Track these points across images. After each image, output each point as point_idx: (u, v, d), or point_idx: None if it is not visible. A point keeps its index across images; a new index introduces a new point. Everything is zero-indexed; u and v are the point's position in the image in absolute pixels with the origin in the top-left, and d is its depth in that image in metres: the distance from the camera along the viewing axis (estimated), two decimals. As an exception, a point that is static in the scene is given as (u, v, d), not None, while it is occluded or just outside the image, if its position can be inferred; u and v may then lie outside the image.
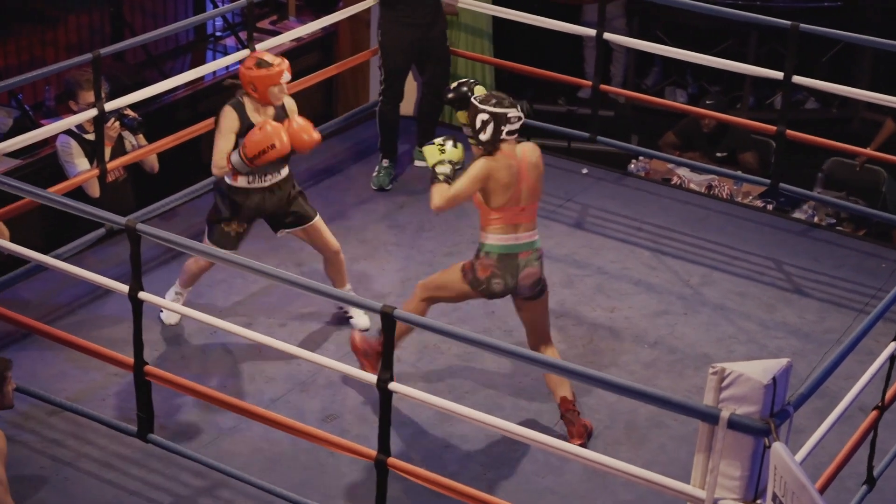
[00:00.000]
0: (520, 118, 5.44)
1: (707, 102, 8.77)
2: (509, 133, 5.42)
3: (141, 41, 7.40)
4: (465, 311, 6.43)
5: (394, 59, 7.59)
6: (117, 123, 6.85)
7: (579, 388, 5.94)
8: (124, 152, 7.04)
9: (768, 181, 7.51)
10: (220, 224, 6.07)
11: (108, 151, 6.86)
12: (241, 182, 5.99)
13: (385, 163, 7.82)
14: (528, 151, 5.50)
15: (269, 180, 6.05)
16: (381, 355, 4.79)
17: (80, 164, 6.92)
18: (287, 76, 5.98)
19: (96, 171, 6.73)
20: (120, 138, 7.06)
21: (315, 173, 7.86)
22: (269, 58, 5.98)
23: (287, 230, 6.18)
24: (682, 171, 8.54)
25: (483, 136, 5.42)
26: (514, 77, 9.02)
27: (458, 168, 5.51)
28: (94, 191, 6.84)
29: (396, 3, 7.55)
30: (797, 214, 8.12)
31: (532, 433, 4.73)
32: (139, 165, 7.19)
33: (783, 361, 4.20)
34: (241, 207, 6.04)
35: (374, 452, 4.87)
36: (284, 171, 6.10)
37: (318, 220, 6.19)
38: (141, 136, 7.07)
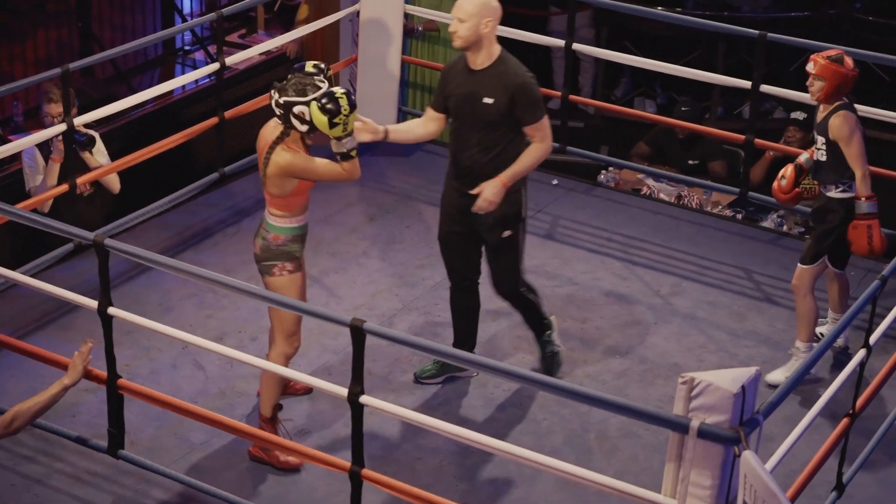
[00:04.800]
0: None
1: (682, 109, 8.76)
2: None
3: (110, 55, 7.34)
4: (438, 321, 6.44)
5: (440, 223, 5.98)
6: (61, 138, 6.69)
7: (550, 398, 5.94)
8: (87, 168, 6.99)
9: (738, 190, 7.55)
10: None
11: (57, 169, 6.84)
12: None
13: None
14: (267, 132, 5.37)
15: None
16: None
17: (38, 180, 6.92)
18: None
19: (62, 188, 6.71)
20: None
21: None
22: None
23: None
24: (652, 182, 8.57)
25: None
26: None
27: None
28: (46, 207, 6.89)
29: (451, 150, 5.86)
30: (766, 223, 8.14)
31: (504, 444, 4.74)
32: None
33: (752, 370, 4.22)
34: None
35: (347, 464, 4.87)
36: None
37: None
38: (88, 153, 7.00)
